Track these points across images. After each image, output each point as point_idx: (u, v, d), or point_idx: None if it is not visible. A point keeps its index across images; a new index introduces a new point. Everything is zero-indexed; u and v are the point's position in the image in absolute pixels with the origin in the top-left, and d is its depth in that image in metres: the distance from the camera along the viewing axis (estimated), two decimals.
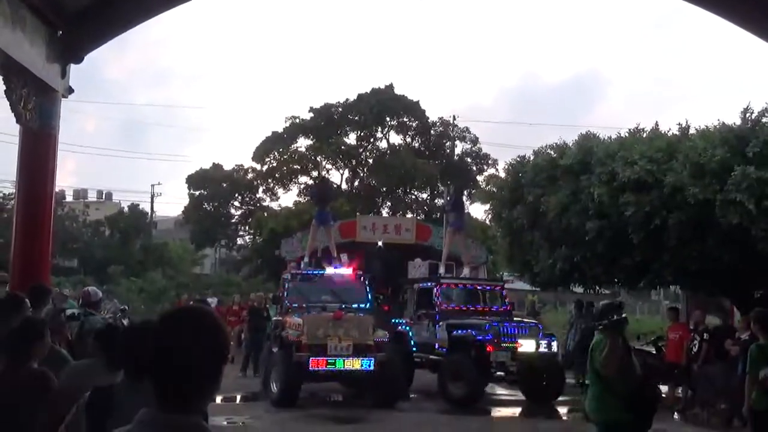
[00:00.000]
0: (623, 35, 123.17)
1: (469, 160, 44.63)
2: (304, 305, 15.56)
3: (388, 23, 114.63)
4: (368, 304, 16.17)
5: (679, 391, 16.07)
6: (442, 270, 18.74)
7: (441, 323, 16.42)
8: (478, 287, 18.48)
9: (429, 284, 17.71)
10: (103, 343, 4.73)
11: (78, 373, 4.69)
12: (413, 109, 43.43)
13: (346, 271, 16.87)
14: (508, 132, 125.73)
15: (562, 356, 21.81)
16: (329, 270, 16.78)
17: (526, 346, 15.43)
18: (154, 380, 2.26)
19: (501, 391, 17.71)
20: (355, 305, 15.66)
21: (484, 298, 18.06)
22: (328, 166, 43.59)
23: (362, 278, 16.69)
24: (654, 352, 17.74)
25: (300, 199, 42.12)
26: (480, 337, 15.35)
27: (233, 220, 45.12)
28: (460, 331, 15.90)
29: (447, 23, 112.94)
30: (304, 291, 16.16)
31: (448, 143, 45.20)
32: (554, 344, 16.26)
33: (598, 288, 21.92)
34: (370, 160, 44.07)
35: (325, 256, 18.09)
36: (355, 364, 14.20)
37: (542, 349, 15.56)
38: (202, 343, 2.25)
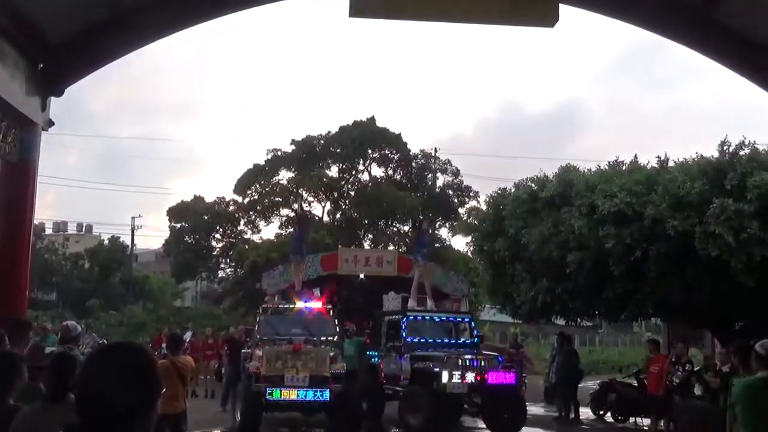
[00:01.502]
0: (604, 68, 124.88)
1: (450, 192, 44.78)
2: (273, 338, 15.94)
3: (370, 56, 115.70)
4: (335, 337, 16.51)
5: (661, 423, 16.06)
6: (412, 302, 18.80)
7: (406, 355, 16.56)
8: (445, 319, 18.50)
9: (396, 317, 17.83)
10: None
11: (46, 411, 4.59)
12: (395, 141, 43.62)
13: (316, 304, 17.38)
14: (489, 164, 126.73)
15: (545, 388, 21.78)
16: (299, 304, 17.33)
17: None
18: (79, 417, 2.19)
19: (483, 425, 17.58)
20: (323, 337, 16.00)
21: (452, 331, 18.09)
22: (310, 199, 43.61)
23: (331, 311, 17.23)
24: (635, 384, 17.74)
25: (282, 232, 42.04)
26: (437, 369, 15.35)
27: (214, 253, 44.91)
28: (420, 363, 15.97)
29: (428, 55, 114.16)
30: (275, 324, 16.61)
31: (429, 176, 45.38)
32: (510, 376, 15.96)
33: (579, 320, 21.95)
34: (352, 193, 44.12)
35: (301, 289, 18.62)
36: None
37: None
38: (128, 380, 2.20)
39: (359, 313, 23.13)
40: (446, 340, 17.39)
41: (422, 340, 17.04)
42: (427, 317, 18.03)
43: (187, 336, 23.49)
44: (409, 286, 20.21)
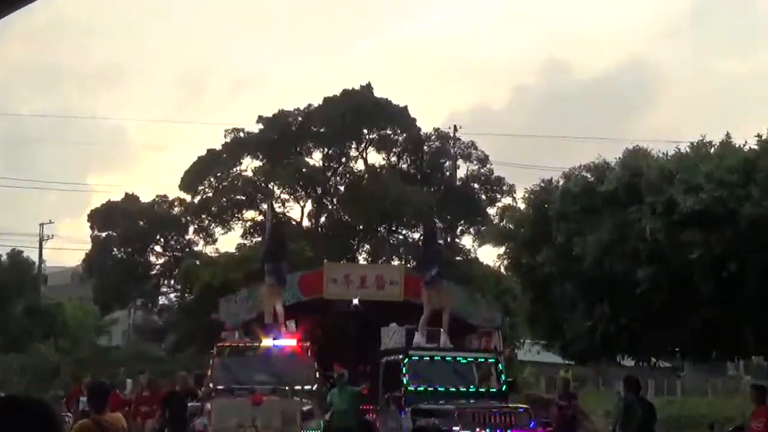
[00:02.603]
0: (676, 18, 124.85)
1: (476, 186, 44.88)
2: (230, 387, 16.23)
3: (363, 3, 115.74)
4: (314, 385, 16.78)
5: None
6: (419, 337, 18.89)
7: (407, 409, 16.67)
8: (461, 361, 18.57)
9: (396, 357, 17.95)
10: None
11: None
12: (399, 117, 43.70)
13: (289, 341, 17.64)
14: (528, 146, 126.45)
15: None
16: (266, 342, 17.58)
17: None
18: None
19: None
20: (297, 386, 16.31)
21: (471, 376, 18.20)
22: (285, 196, 43.76)
23: (308, 351, 17.45)
24: None
25: (245, 242, 42.19)
26: (447, 427, 15.46)
27: (153, 272, 45.11)
28: (424, 420, 16.12)
29: None
30: (234, 368, 16.94)
31: (447, 163, 45.47)
32: None
33: (654, 360, 21.98)
34: (342, 188, 44.28)
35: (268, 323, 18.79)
36: None
37: None
38: None
39: (352, 352, 23.20)
40: (462, 389, 17.50)
41: (429, 389, 17.18)
42: (437, 358, 18.18)
43: (128, 386, 23.72)
44: (419, 315, 20.31)
